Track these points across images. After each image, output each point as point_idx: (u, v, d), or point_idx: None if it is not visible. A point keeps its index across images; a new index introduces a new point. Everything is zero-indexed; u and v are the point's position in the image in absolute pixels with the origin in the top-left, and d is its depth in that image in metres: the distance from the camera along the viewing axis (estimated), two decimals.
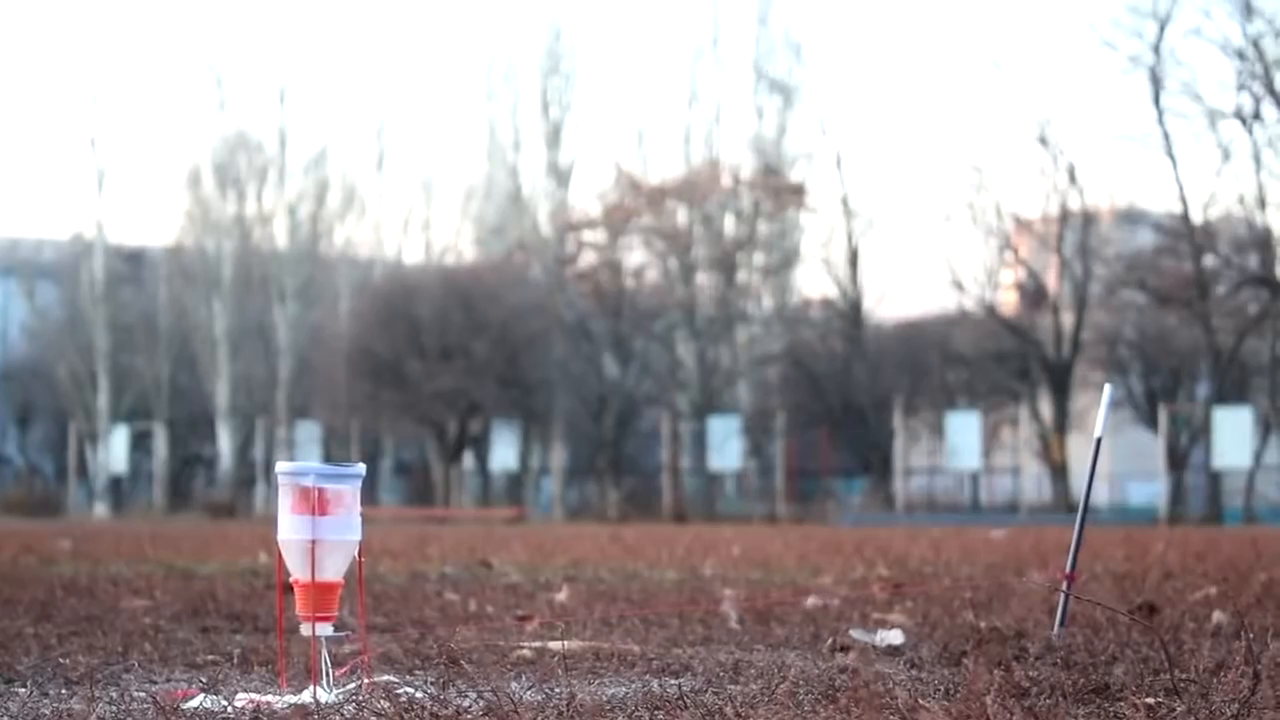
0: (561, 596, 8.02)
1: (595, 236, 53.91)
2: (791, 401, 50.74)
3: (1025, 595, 7.66)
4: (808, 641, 5.61)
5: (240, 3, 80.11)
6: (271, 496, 43.98)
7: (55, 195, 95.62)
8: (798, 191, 53.45)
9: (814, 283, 56.49)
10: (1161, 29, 44.43)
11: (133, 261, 61.58)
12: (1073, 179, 48.10)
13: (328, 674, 4.13)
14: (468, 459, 53.01)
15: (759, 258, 54.14)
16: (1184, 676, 3.38)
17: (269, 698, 4.14)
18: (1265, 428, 44.26)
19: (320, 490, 4.15)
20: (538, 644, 5.30)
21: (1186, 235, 45.39)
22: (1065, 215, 48.46)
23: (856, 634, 5.62)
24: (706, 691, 3.87)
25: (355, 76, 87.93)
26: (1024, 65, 77.58)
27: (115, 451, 57.48)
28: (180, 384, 58.42)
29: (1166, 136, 44.89)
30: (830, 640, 5.53)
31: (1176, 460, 45.11)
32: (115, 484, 58.06)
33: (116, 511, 54.81)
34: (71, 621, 6.50)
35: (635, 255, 53.68)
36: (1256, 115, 43.98)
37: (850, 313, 51.80)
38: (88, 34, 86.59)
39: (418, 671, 4.75)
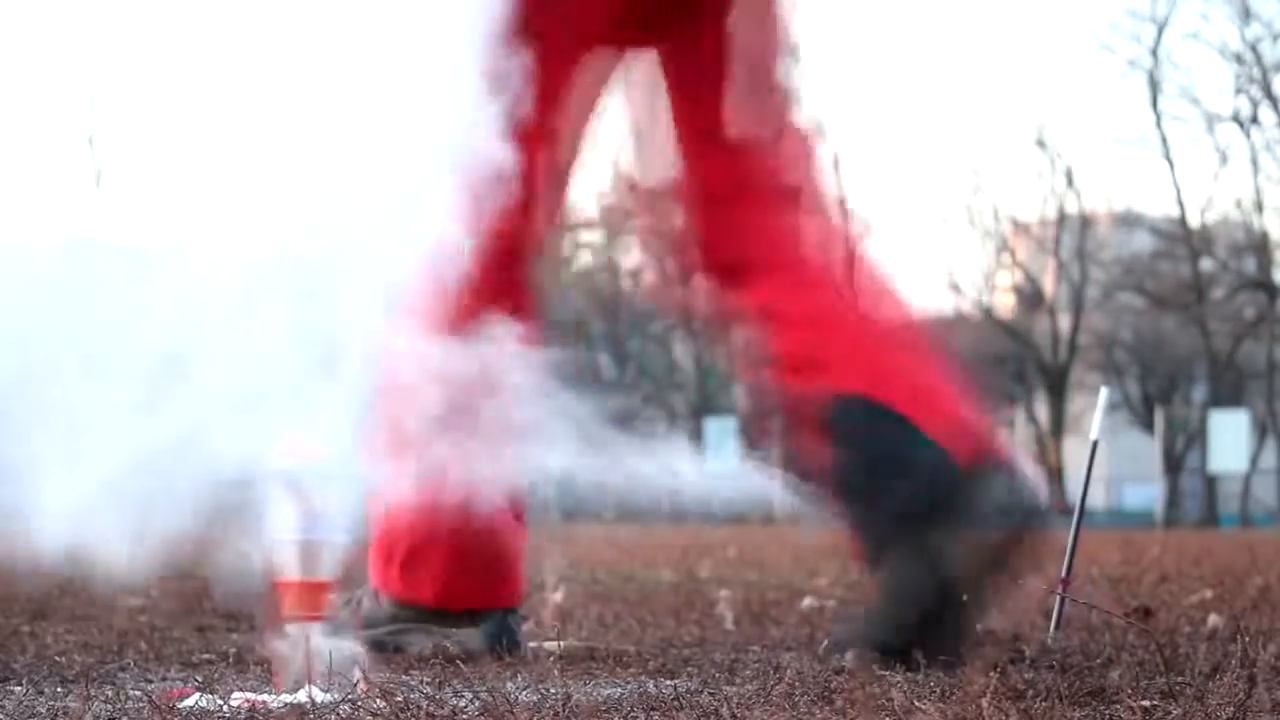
0: (558, 597, 8.02)
1: (592, 237, 53.93)
2: None
3: (1021, 598, 7.66)
4: (804, 643, 5.62)
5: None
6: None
7: (53, 193, 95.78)
8: None
9: None
10: (1159, 32, 44.48)
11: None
12: (1070, 182, 48.17)
13: (320, 674, 4.13)
14: None
15: None
16: (1180, 680, 3.39)
17: (264, 697, 4.13)
18: (1262, 432, 44.30)
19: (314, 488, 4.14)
20: (533, 644, 5.30)
21: (1184, 239, 45.43)
22: (1063, 218, 48.47)
23: None
24: (702, 692, 3.87)
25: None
26: (1022, 68, 77.64)
27: None
28: None
29: (1164, 140, 44.96)
30: (827, 642, 5.53)
31: (1173, 464, 45.14)
32: None
33: None
34: (67, 619, 6.50)
35: (632, 256, 53.71)
36: (1254, 119, 44.04)
37: None
38: (86, 33, 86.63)
39: (414, 671, 4.75)
